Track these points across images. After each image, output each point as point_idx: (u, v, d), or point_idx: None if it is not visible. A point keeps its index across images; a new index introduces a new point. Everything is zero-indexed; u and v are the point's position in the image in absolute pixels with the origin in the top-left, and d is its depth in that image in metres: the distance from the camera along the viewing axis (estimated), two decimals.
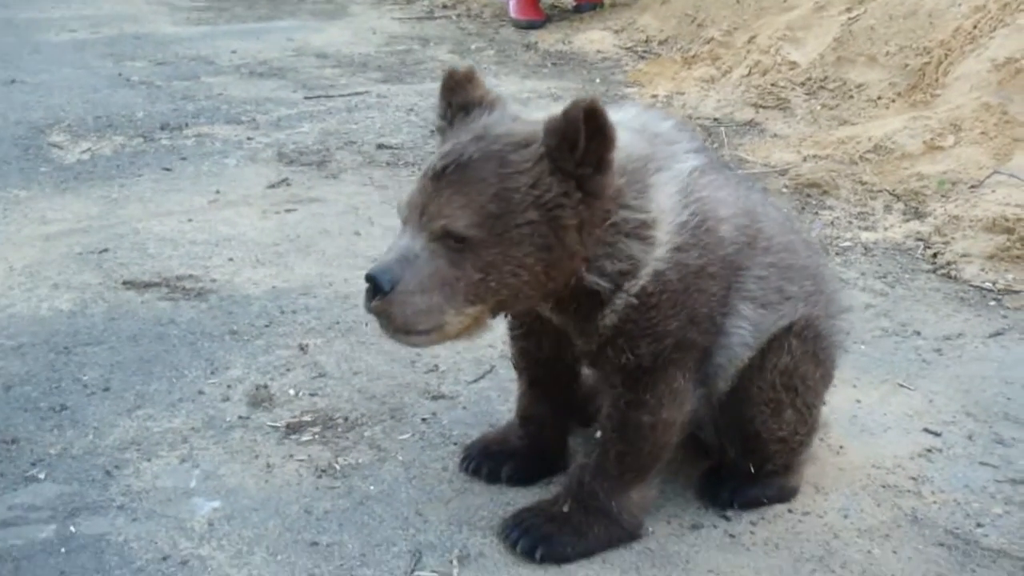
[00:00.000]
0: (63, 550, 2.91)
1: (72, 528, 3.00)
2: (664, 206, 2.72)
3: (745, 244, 2.87)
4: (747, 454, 3.07)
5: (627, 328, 2.75)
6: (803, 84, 6.87)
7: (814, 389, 3.07)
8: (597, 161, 2.58)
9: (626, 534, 2.96)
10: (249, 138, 6.53)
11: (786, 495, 3.16)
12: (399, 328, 2.60)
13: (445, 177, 2.62)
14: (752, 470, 3.08)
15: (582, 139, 2.54)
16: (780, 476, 3.14)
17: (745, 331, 2.89)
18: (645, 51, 8.46)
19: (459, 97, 2.83)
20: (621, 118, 2.72)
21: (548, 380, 3.18)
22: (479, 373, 3.81)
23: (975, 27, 6.24)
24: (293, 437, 3.43)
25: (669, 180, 2.75)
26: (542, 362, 3.14)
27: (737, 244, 2.84)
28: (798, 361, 2.98)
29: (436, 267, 2.58)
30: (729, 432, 3.06)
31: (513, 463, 3.20)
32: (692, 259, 2.74)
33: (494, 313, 2.72)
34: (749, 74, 7.15)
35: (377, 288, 2.58)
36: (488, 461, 3.22)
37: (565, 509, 2.93)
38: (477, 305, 2.62)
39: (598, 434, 2.93)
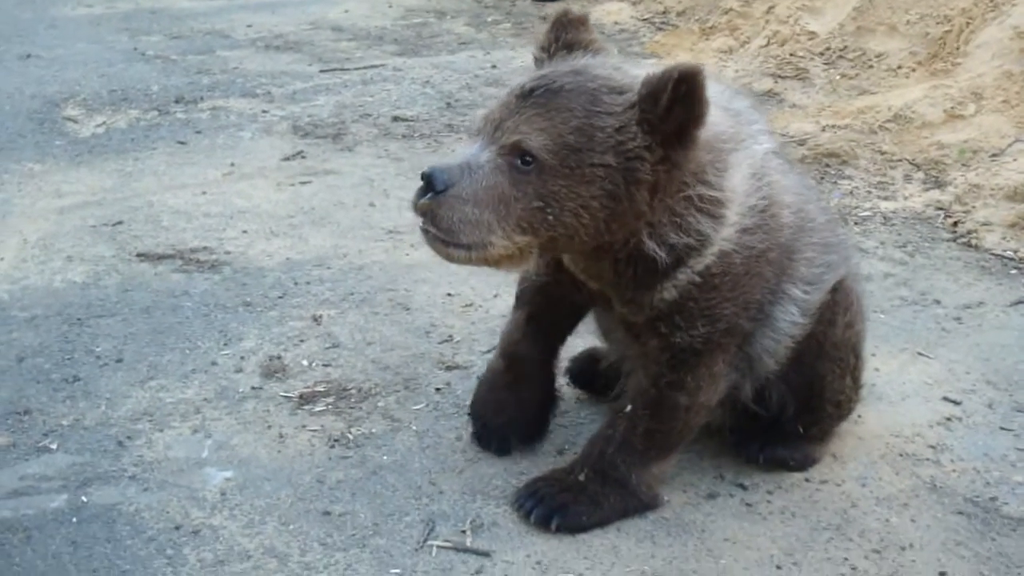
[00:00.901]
0: (75, 520, 2.89)
1: (84, 498, 2.98)
2: (739, 187, 2.69)
3: (799, 228, 2.86)
4: (803, 413, 3.06)
5: (687, 306, 2.71)
6: (822, 54, 6.80)
7: (863, 357, 3.14)
8: (681, 134, 2.51)
9: (642, 505, 2.93)
10: (264, 111, 6.50)
11: (808, 463, 3.14)
12: (441, 232, 2.51)
13: (532, 97, 2.56)
14: (801, 430, 3.07)
15: (666, 96, 2.47)
16: (813, 443, 3.14)
17: (794, 313, 2.88)
18: (663, 22, 8.40)
19: (569, 35, 2.77)
20: (710, 95, 2.60)
21: (547, 320, 3.10)
22: (493, 343, 3.76)
23: None
24: (306, 407, 3.41)
25: (745, 160, 2.72)
26: (553, 301, 3.07)
27: (792, 228, 2.83)
28: (858, 320, 3.06)
29: (496, 182, 2.51)
30: (798, 389, 3.02)
31: (519, 432, 3.17)
32: (756, 242, 2.72)
33: (542, 251, 2.64)
34: (767, 44, 7.08)
35: (430, 187, 2.49)
36: (495, 440, 3.18)
37: (581, 478, 2.90)
38: (527, 235, 2.54)
39: (628, 408, 2.89)
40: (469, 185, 2.50)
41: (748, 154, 2.74)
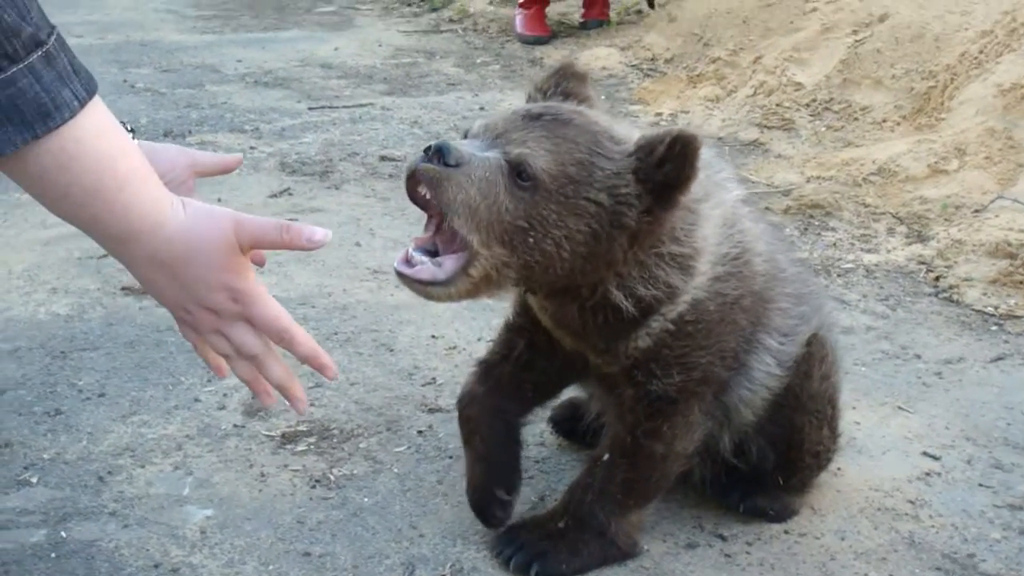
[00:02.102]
0: (54, 555, 2.89)
1: (63, 533, 2.98)
2: (709, 237, 2.70)
3: (771, 276, 2.88)
4: (782, 464, 3.07)
5: (662, 353, 2.72)
6: (808, 105, 6.85)
7: (839, 405, 3.15)
8: (669, 191, 2.53)
9: (621, 553, 2.94)
10: (252, 147, 6.52)
11: (787, 515, 3.15)
12: (443, 205, 2.43)
13: (540, 120, 2.54)
14: (781, 482, 3.09)
15: (662, 150, 2.49)
16: (792, 493, 3.15)
17: (770, 364, 2.90)
18: (651, 69, 8.45)
19: (570, 85, 2.79)
20: None
21: (508, 372, 3.03)
22: None
23: (981, 52, 6.24)
24: (288, 447, 3.41)
25: (715, 211, 2.74)
26: (520, 358, 3.02)
27: (765, 277, 2.85)
28: (834, 372, 3.08)
29: (497, 180, 2.45)
30: (777, 441, 3.04)
31: (486, 497, 3.02)
32: (730, 290, 2.74)
33: (515, 277, 2.57)
34: (754, 94, 7.14)
35: (441, 157, 2.41)
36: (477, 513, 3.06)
37: (561, 526, 2.90)
38: (505, 249, 2.48)
39: (606, 456, 2.89)
40: (478, 170, 2.44)
41: (717, 203, 2.76)
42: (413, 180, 2.45)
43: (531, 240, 2.51)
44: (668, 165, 2.50)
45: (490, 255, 2.49)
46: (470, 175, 2.43)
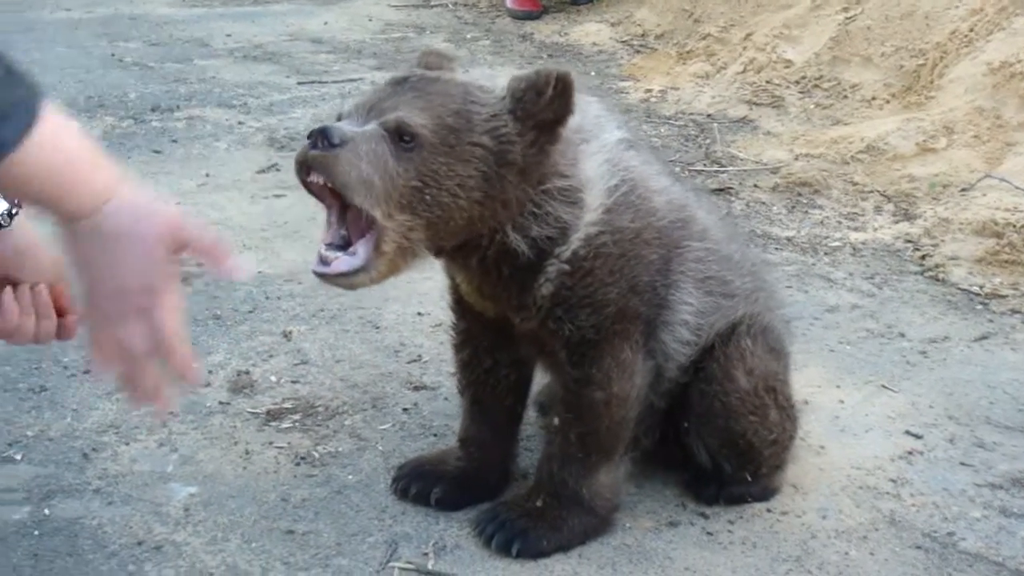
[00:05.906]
0: (37, 533, 2.89)
1: (47, 511, 2.98)
2: (592, 173, 2.74)
3: (680, 223, 2.90)
4: (744, 465, 3.07)
5: (564, 296, 2.74)
6: (798, 82, 6.84)
7: (785, 382, 3.13)
8: (551, 127, 2.62)
9: (601, 522, 2.95)
10: (240, 122, 6.50)
11: (768, 494, 3.16)
12: (339, 187, 2.43)
13: (408, 83, 2.61)
14: (749, 478, 3.09)
15: (549, 92, 2.58)
16: (769, 476, 3.15)
17: (688, 312, 2.90)
18: (641, 45, 8.43)
19: (431, 61, 2.87)
20: None
21: (490, 399, 3.10)
22: None
23: (971, 30, 6.23)
24: (273, 424, 3.42)
25: (597, 150, 2.78)
26: (483, 377, 3.08)
27: (671, 219, 2.87)
28: (763, 360, 3.02)
29: (383, 150, 2.47)
30: (725, 451, 3.04)
31: (443, 485, 3.06)
32: (626, 222, 2.76)
33: (425, 240, 2.59)
34: (744, 71, 7.12)
35: (326, 139, 2.41)
36: (418, 482, 3.08)
37: (539, 504, 2.92)
38: (406, 213, 2.51)
39: (556, 420, 2.92)
40: (363, 145, 2.45)
41: (599, 144, 2.80)
42: (305, 169, 2.45)
43: (428, 197, 2.54)
44: (556, 102, 2.59)
45: (395, 224, 2.51)
46: (357, 151, 2.44)
